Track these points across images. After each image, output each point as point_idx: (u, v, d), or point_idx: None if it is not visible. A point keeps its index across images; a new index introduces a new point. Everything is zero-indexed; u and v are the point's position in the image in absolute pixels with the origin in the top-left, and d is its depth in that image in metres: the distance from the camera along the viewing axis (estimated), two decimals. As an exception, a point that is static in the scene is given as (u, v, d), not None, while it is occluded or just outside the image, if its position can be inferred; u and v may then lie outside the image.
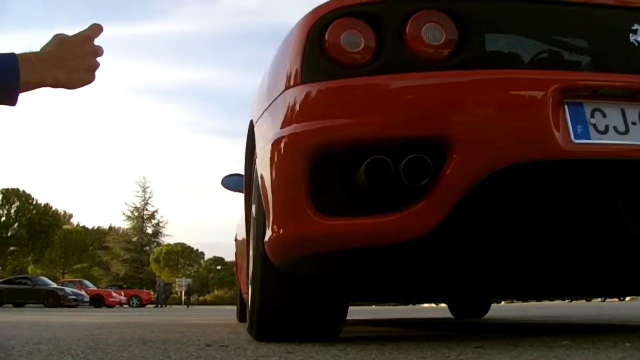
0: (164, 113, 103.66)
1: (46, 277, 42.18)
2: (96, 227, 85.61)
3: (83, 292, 27.92)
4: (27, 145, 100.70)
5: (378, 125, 1.80)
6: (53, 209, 63.71)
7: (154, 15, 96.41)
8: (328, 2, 1.98)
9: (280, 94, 1.99)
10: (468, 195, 1.73)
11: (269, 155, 1.96)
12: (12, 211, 50.99)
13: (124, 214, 69.12)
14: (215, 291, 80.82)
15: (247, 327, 2.59)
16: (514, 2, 1.97)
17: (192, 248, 68.08)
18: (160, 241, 68.60)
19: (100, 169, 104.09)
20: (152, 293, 38.64)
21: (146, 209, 68.93)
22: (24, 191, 52.33)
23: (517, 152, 1.74)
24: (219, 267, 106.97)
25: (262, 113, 2.19)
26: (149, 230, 69.29)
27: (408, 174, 1.73)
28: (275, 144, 1.92)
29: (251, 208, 2.79)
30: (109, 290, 34.03)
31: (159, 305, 35.86)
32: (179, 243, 65.73)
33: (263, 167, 2.03)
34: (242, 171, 3.18)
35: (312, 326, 2.34)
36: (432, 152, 1.74)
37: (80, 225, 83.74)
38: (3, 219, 50.52)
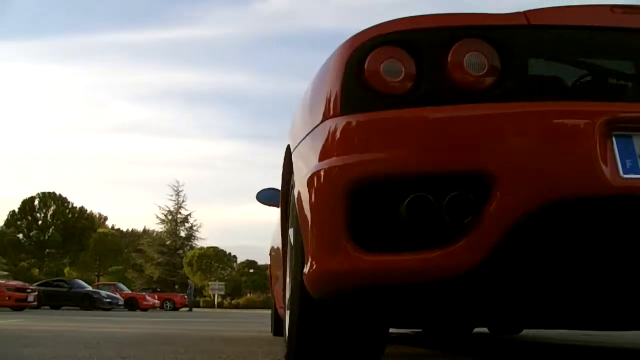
0: (196, 117, 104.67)
1: (81, 279, 42.75)
2: (130, 229, 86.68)
3: (118, 296, 28.24)
4: (62, 148, 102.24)
5: (419, 160, 1.74)
6: (88, 211, 64.76)
7: (186, 20, 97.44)
8: (367, 29, 1.94)
9: (319, 124, 1.95)
10: (512, 233, 1.68)
11: (307, 187, 1.93)
12: (49, 215, 51.95)
13: (157, 217, 69.64)
14: (248, 294, 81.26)
15: (284, 354, 2.56)
16: (558, 29, 1.91)
17: (225, 252, 68.42)
18: (194, 244, 69.05)
19: (134, 172, 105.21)
20: (185, 297, 38.87)
21: (179, 213, 69.35)
22: (60, 195, 53.30)
23: (563, 188, 1.68)
24: (251, 271, 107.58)
25: (301, 141, 2.15)
26: (183, 234, 69.71)
27: (450, 211, 1.69)
28: (314, 177, 1.88)
29: (287, 229, 2.77)
30: (143, 293, 34.31)
31: (191, 309, 36.18)
32: (211, 247, 66.08)
33: (302, 199, 2.00)
34: (273, 183, 3.14)
35: (353, 354, 2.31)
36: (475, 188, 1.69)
37: (115, 227, 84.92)
38: (40, 222, 51.49)
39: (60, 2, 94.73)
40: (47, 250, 50.58)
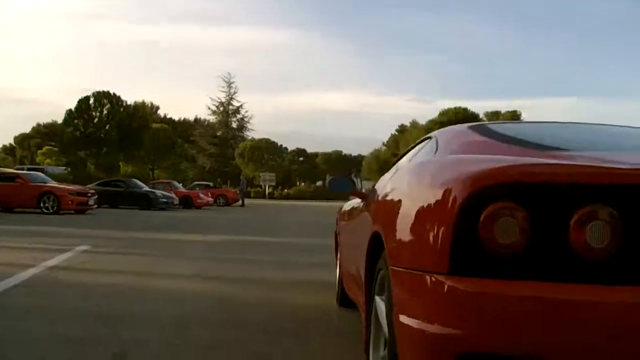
0: (247, 4, 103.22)
1: (136, 174, 43.82)
2: (182, 118, 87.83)
3: (173, 195, 29.03)
4: (112, 39, 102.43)
5: (539, 345, 1.62)
6: (140, 101, 65.44)
7: None
8: (485, 173, 1.79)
9: (423, 273, 1.84)
10: None
11: (409, 343, 1.87)
12: (104, 113, 52.78)
13: (209, 108, 70.63)
14: (298, 184, 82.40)
15: None
16: None
17: (276, 143, 69.05)
18: (245, 135, 69.96)
19: (186, 61, 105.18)
20: (237, 192, 39.81)
21: (231, 104, 70.06)
22: (114, 93, 53.89)
23: None
24: (301, 159, 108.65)
25: (399, 268, 2.05)
26: (234, 125, 70.70)
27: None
28: (416, 337, 1.81)
29: (373, 291, 2.71)
30: (197, 190, 35.18)
31: (243, 204, 37.15)
32: (263, 139, 66.77)
33: (402, 345, 1.94)
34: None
35: None
36: None
37: (167, 117, 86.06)
38: (96, 120, 52.41)
39: None
40: (104, 148, 51.57)
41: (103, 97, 52.83)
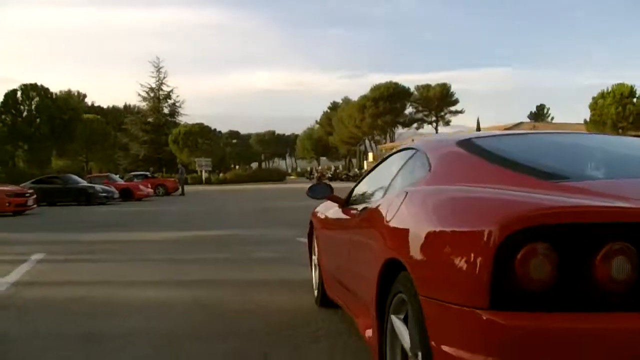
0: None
1: (69, 167, 42.74)
2: (111, 106, 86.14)
3: (112, 189, 28.61)
4: (34, 24, 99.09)
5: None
6: (66, 90, 63.15)
7: None
8: (519, 216, 1.95)
9: (462, 307, 2.01)
10: None
11: None
12: (33, 107, 50.88)
13: (139, 94, 69.42)
14: (233, 166, 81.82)
15: None
16: None
17: (210, 127, 68.39)
18: (178, 121, 69.16)
19: (111, 46, 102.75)
20: (177, 181, 39.45)
21: (161, 89, 68.99)
22: (42, 85, 51.96)
23: None
24: (234, 141, 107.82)
25: (436, 300, 2.19)
26: (166, 110, 69.73)
27: None
28: None
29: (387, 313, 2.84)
30: (136, 182, 34.73)
31: (183, 193, 36.83)
32: (196, 123, 66.05)
33: None
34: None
35: None
36: None
37: (95, 105, 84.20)
38: (25, 114, 50.48)
39: None
40: (37, 144, 49.75)
41: (30, 89, 50.97)
